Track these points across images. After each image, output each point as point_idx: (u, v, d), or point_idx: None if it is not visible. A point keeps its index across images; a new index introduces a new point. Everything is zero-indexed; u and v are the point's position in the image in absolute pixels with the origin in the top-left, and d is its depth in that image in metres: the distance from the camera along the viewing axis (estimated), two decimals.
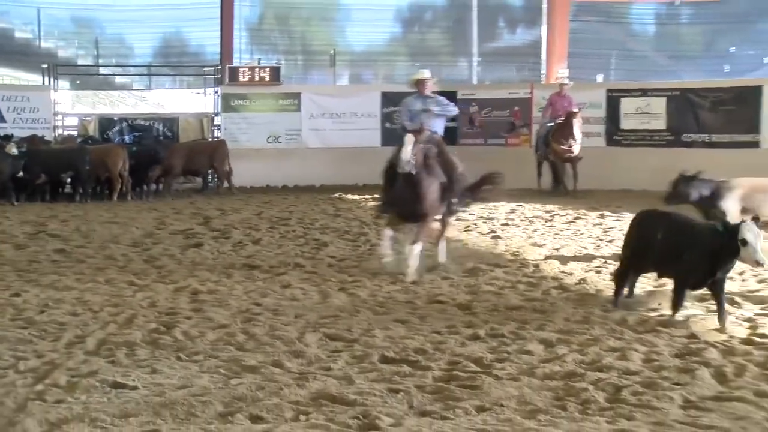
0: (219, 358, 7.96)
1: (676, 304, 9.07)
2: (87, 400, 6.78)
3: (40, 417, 6.34)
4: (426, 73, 13.15)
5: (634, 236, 9.82)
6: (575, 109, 21.32)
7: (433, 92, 12.89)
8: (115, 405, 6.65)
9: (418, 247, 11.94)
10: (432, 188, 11.94)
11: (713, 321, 9.13)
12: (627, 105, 22.47)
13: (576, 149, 20.89)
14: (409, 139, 11.76)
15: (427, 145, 12.01)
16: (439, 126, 12.81)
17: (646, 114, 22.21)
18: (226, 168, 21.94)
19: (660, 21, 31.81)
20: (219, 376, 7.43)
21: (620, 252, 10.40)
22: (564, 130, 21.06)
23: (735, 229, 8.42)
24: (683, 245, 9.00)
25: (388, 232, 12.32)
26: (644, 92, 22.69)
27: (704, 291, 9.44)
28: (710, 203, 12.29)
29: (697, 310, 9.51)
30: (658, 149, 21.85)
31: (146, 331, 8.94)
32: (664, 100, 22.14)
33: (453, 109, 13.55)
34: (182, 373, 7.50)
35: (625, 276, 9.88)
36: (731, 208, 12.09)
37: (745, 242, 8.29)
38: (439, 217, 12.45)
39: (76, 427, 6.16)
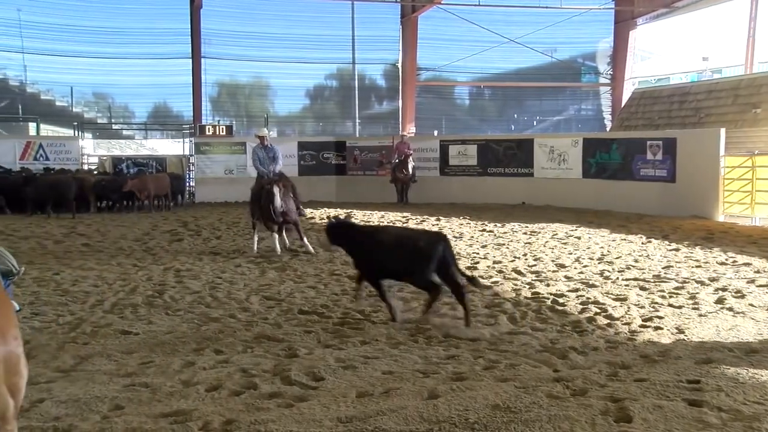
0: (194, 313, 7.83)
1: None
2: (105, 342, 6.60)
3: (74, 354, 6.16)
4: (265, 131, 13.14)
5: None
6: (410, 152, 21.68)
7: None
8: (123, 345, 6.49)
9: (306, 240, 12.15)
10: (291, 206, 12.02)
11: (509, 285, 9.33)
12: (452, 150, 22.75)
13: (409, 173, 21.46)
14: (277, 190, 11.74)
15: (282, 183, 12.06)
16: (277, 165, 12.57)
17: (464, 155, 22.52)
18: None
19: (472, 97, 32.41)
20: (193, 324, 7.31)
21: None
22: (403, 164, 21.44)
23: None
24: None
25: (257, 235, 12.46)
26: (463, 142, 23.02)
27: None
28: None
29: None
30: (472, 177, 22.21)
31: (145, 296, 8.73)
32: (475, 146, 22.47)
33: (281, 160, 12.75)
34: (169, 323, 7.36)
35: None
36: None
37: None
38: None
39: (98, 361, 5.98)
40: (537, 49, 29.19)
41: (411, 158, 21.57)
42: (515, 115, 31.60)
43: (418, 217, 17.50)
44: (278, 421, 4.54)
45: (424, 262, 7.12)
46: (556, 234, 14.15)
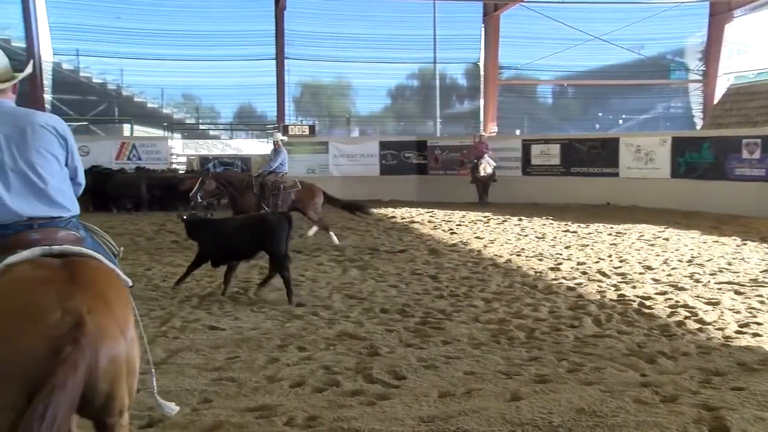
0: (277, 310, 7.95)
1: None
2: (193, 337, 6.78)
3: (164, 347, 6.34)
4: (279, 136, 14.47)
5: None
6: (486, 151, 21.49)
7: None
8: (211, 340, 6.64)
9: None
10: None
11: (593, 287, 9.09)
12: (535, 149, 22.38)
13: (488, 173, 21.28)
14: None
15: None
16: (270, 165, 14.12)
17: (547, 155, 22.13)
18: None
19: (555, 96, 31.84)
20: (277, 321, 7.42)
21: None
22: (480, 164, 21.26)
23: None
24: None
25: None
26: (546, 141, 22.63)
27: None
28: None
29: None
30: (555, 177, 21.80)
31: (231, 292, 8.91)
32: (558, 146, 22.05)
33: (274, 162, 14.23)
34: (254, 320, 7.49)
35: None
36: None
37: None
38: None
39: (187, 355, 6.15)
40: (623, 46, 28.38)
41: (486, 157, 21.32)
42: (599, 114, 30.87)
43: (499, 216, 17.29)
44: (360, 418, 4.57)
45: (275, 233, 8.41)
46: (643, 235, 13.72)
